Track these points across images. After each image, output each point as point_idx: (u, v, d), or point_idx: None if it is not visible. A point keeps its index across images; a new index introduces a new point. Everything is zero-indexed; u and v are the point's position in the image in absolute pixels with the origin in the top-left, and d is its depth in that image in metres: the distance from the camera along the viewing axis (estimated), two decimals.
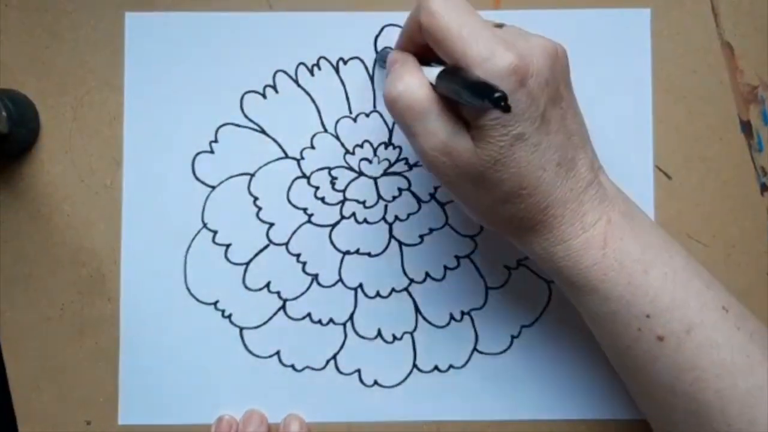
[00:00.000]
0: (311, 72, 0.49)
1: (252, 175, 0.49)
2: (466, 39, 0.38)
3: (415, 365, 0.49)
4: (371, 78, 0.50)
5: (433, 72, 0.40)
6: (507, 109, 0.34)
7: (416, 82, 0.40)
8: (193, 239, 0.49)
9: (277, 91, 0.49)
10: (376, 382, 0.49)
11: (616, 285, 0.41)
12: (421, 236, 0.49)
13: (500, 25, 0.42)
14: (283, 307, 0.50)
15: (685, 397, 0.40)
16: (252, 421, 0.48)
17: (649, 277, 0.41)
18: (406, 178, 0.49)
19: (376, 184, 0.49)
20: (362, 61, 0.49)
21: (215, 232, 0.50)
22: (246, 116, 0.49)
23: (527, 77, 0.38)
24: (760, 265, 0.50)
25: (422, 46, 0.42)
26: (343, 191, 0.49)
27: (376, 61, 0.50)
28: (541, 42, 0.40)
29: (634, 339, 0.41)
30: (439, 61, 0.41)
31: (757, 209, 0.50)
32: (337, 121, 0.50)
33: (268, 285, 0.50)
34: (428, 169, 0.41)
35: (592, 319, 0.43)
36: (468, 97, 0.36)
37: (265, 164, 0.49)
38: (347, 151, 0.49)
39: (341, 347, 0.50)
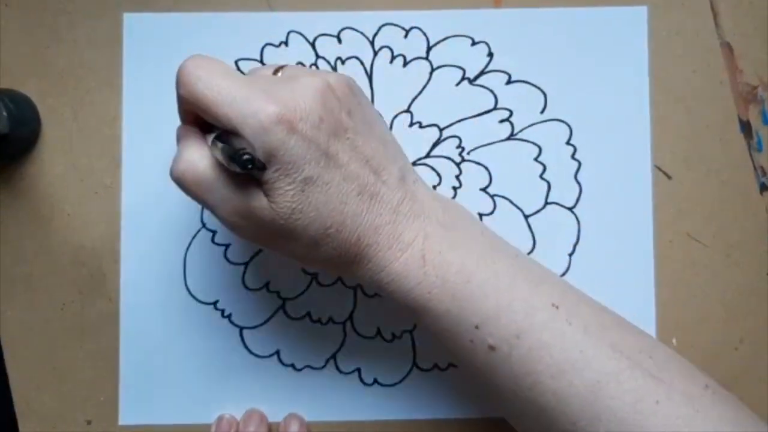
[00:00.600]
0: None
1: None
2: (225, 102, 0.37)
3: (414, 364, 0.50)
4: (369, 77, 0.50)
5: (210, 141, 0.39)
6: (262, 167, 0.36)
7: (196, 156, 0.39)
8: (193, 239, 0.50)
9: None
10: (376, 381, 0.50)
11: (442, 301, 0.40)
12: None
13: (280, 68, 0.42)
14: (282, 306, 0.50)
15: (527, 402, 0.39)
16: (252, 420, 0.49)
17: (471, 286, 0.40)
18: None
19: None
20: (360, 61, 0.50)
21: (214, 232, 0.50)
22: None
23: (296, 122, 0.37)
24: (759, 264, 0.50)
25: (195, 117, 0.41)
26: None
27: None
28: (308, 81, 0.39)
29: (469, 351, 0.40)
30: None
31: (757, 209, 0.50)
32: None
33: (267, 284, 0.50)
34: (233, 233, 0.40)
35: (434, 338, 0.42)
36: (230, 164, 0.36)
37: None
38: None
39: (341, 346, 0.50)
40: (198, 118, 0.40)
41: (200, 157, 0.39)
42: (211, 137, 0.39)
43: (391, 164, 0.41)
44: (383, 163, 0.41)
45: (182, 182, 0.39)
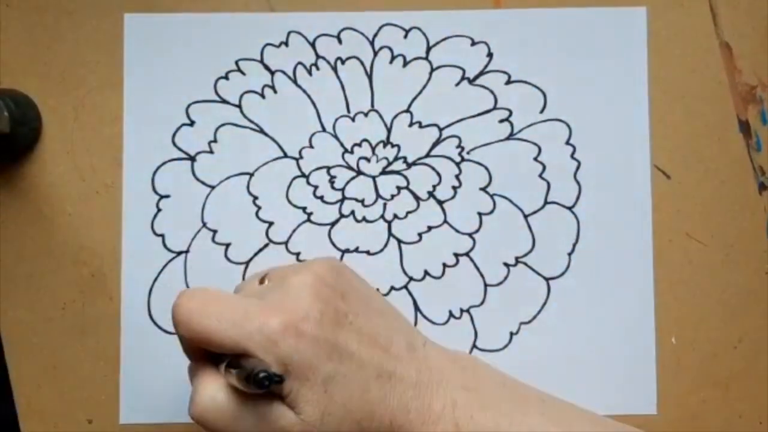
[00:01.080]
0: (309, 72, 0.50)
1: (251, 175, 0.50)
2: (227, 327, 0.37)
3: None
4: (369, 77, 0.50)
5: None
6: (281, 380, 0.35)
7: (212, 391, 0.38)
8: (193, 239, 0.50)
9: (275, 91, 0.50)
10: None
11: None
12: (420, 234, 0.50)
13: (264, 276, 0.42)
14: None
15: None
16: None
17: None
18: (404, 176, 0.50)
19: (374, 182, 0.50)
20: (360, 61, 0.50)
21: (215, 232, 0.50)
22: (245, 116, 0.50)
23: (300, 325, 0.37)
24: (758, 264, 0.50)
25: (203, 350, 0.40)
26: (342, 190, 0.50)
27: None
28: (298, 280, 0.39)
29: None
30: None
31: (756, 208, 0.50)
32: (336, 121, 0.50)
33: None
34: None
35: None
36: (249, 387, 0.36)
37: (264, 164, 0.50)
38: (346, 150, 0.50)
39: None
40: (206, 352, 0.39)
41: (217, 390, 0.38)
42: (222, 366, 0.38)
43: (397, 335, 0.41)
44: (390, 337, 0.41)
45: (204, 421, 0.38)
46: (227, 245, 0.50)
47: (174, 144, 0.50)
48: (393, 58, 0.50)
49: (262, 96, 0.50)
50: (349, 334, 0.39)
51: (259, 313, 0.37)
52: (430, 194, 0.50)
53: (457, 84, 0.50)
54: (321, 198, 0.50)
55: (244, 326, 0.37)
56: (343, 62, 0.50)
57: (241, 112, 0.50)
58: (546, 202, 0.50)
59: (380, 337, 0.40)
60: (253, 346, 0.37)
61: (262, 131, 0.50)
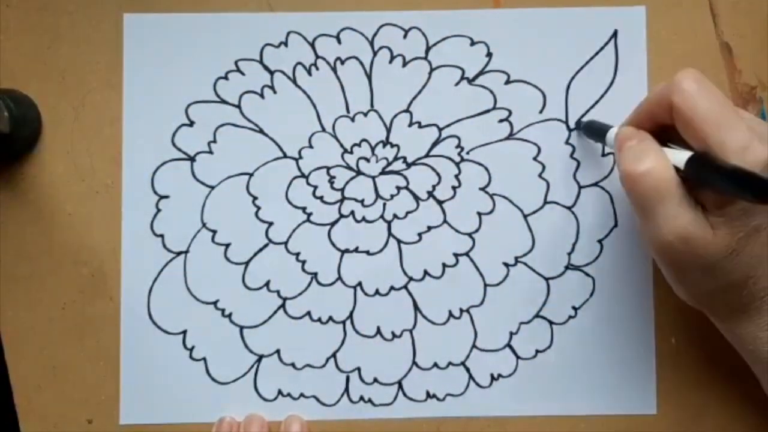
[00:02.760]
0: (309, 72, 0.50)
1: (251, 175, 0.50)
2: (724, 126, 0.37)
3: (414, 363, 0.50)
4: (369, 77, 0.50)
5: (672, 154, 0.39)
6: (766, 201, 0.34)
7: (663, 163, 0.39)
8: (193, 239, 0.50)
9: (275, 92, 0.50)
10: (376, 380, 0.50)
11: None
12: (420, 234, 0.50)
13: None
14: (282, 305, 0.50)
15: None
16: (253, 423, 0.49)
17: None
18: (404, 176, 0.50)
19: (374, 182, 0.50)
20: (360, 61, 0.50)
21: (214, 232, 0.50)
22: (244, 116, 0.50)
23: None
24: None
25: (659, 126, 0.41)
26: (342, 190, 0.50)
27: (578, 129, 0.49)
28: None
29: None
30: (677, 143, 0.41)
31: None
32: (335, 121, 0.50)
33: (267, 284, 0.50)
34: (656, 254, 0.40)
35: None
36: (727, 185, 0.36)
37: (264, 164, 0.50)
38: (345, 150, 0.50)
39: (341, 345, 0.50)
40: (648, 127, 0.41)
41: (666, 165, 0.39)
42: (677, 151, 0.39)
43: None
44: None
45: (640, 182, 0.39)
46: (227, 245, 0.50)
47: (173, 144, 0.50)
48: (392, 58, 0.50)
49: (262, 96, 0.50)
50: None
51: (755, 138, 0.37)
52: (430, 194, 0.50)
53: (457, 84, 0.50)
54: (321, 198, 0.50)
55: (739, 139, 0.37)
56: (342, 62, 0.50)
57: (241, 112, 0.50)
58: (545, 202, 0.50)
59: None
60: (734, 159, 0.37)
61: (261, 131, 0.50)
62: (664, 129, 0.41)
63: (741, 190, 0.35)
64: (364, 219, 0.50)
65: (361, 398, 0.50)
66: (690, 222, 0.38)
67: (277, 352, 0.50)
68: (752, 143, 0.37)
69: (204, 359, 0.50)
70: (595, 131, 0.47)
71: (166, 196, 0.50)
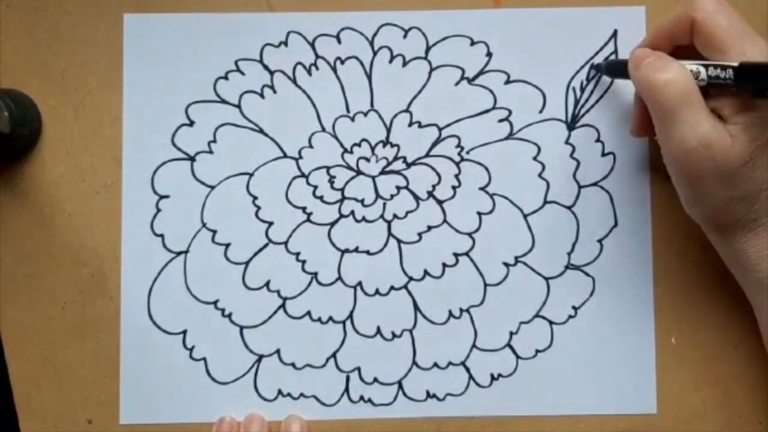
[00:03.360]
0: (309, 72, 0.50)
1: (251, 175, 0.50)
2: (745, 39, 0.41)
3: (414, 362, 0.50)
4: (369, 77, 0.50)
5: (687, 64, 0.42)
6: None
7: (684, 72, 0.41)
8: (193, 239, 0.50)
9: (275, 91, 0.50)
10: (376, 380, 0.50)
11: None
12: (420, 234, 0.50)
13: None
14: (282, 305, 0.50)
15: None
16: (254, 423, 0.49)
17: None
18: (404, 176, 0.50)
19: (374, 182, 0.50)
20: (360, 61, 0.50)
21: (215, 232, 0.50)
22: (244, 116, 0.50)
23: None
24: None
25: (674, 48, 0.44)
26: (342, 190, 0.50)
27: (594, 69, 0.50)
28: None
29: None
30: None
31: None
32: (335, 120, 0.50)
33: (267, 284, 0.50)
34: (676, 162, 0.42)
35: None
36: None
37: (264, 164, 0.50)
38: (345, 150, 0.50)
39: (341, 345, 0.50)
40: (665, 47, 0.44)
41: (688, 76, 0.41)
42: (697, 65, 0.41)
43: None
44: None
45: (666, 88, 0.41)
46: (227, 245, 0.50)
47: (173, 144, 0.50)
48: (392, 57, 0.50)
49: (262, 96, 0.50)
50: None
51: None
52: (430, 194, 0.50)
53: (457, 84, 0.50)
54: (321, 198, 0.50)
55: (760, 51, 0.40)
56: (342, 62, 0.50)
57: (241, 112, 0.50)
58: (545, 202, 0.50)
59: None
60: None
61: (261, 131, 0.50)
62: (677, 52, 0.43)
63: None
64: (364, 219, 0.50)
65: (361, 398, 0.50)
66: (711, 128, 0.40)
67: (277, 352, 0.50)
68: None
69: (204, 359, 0.50)
70: (616, 66, 0.48)
71: (166, 196, 0.50)
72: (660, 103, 0.41)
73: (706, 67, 0.41)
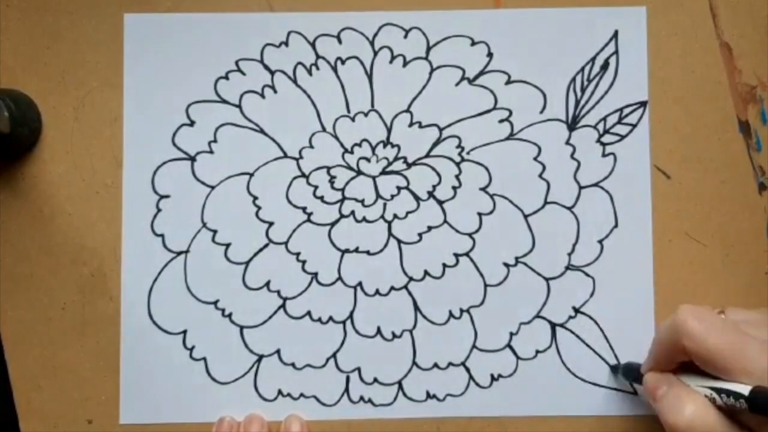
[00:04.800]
0: (309, 72, 0.50)
1: (251, 175, 0.50)
2: (741, 355, 0.39)
3: (414, 363, 0.50)
4: (369, 77, 0.50)
5: (703, 388, 0.41)
6: None
7: (702, 405, 0.40)
8: (193, 239, 0.50)
9: (275, 91, 0.50)
10: (376, 380, 0.50)
11: None
12: (420, 234, 0.50)
13: (722, 312, 0.44)
14: (283, 305, 0.50)
15: None
16: (254, 423, 0.49)
17: None
18: (404, 176, 0.50)
19: (374, 182, 0.50)
20: (360, 61, 0.50)
21: (215, 232, 0.50)
22: (245, 116, 0.50)
23: None
24: (758, 264, 0.50)
25: (677, 364, 0.43)
26: (342, 190, 0.50)
27: (615, 372, 0.50)
28: None
29: None
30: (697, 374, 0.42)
31: (756, 209, 0.50)
32: (336, 121, 0.50)
33: (267, 284, 0.50)
34: None
35: None
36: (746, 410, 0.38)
37: (264, 164, 0.50)
38: (346, 150, 0.50)
39: (341, 345, 0.50)
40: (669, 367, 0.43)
41: (705, 406, 0.40)
42: (708, 388, 0.40)
43: None
44: None
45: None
46: (227, 245, 0.50)
47: (174, 144, 0.50)
48: (393, 58, 0.50)
49: (262, 96, 0.50)
50: None
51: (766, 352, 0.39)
52: (430, 194, 0.50)
53: (457, 84, 0.50)
54: (321, 198, 0.50)
55: (760, 364, 0.39)
56: (343, 62, 0.50)
57: (241, 112, 0.50)
58: (546, 202, 0.50)
59: None
60: (761, 383, 0.38)
61: (262, 131, 0.50)
62: (684, 364, 0.43)
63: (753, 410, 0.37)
64: (364, 219, 0.50)
65: (361, 398, 0.50)
66: None
67: (277, 352, 0.50)
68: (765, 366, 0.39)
69: (204, 359, 0.50)
70: (632, 373, 0.48)
71: (167, 196, 0.50)
72: None
73: (719, 393, 0.40)
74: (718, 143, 0.50)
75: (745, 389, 0.39)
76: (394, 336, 0.50)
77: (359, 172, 0.50)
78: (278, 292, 0.50)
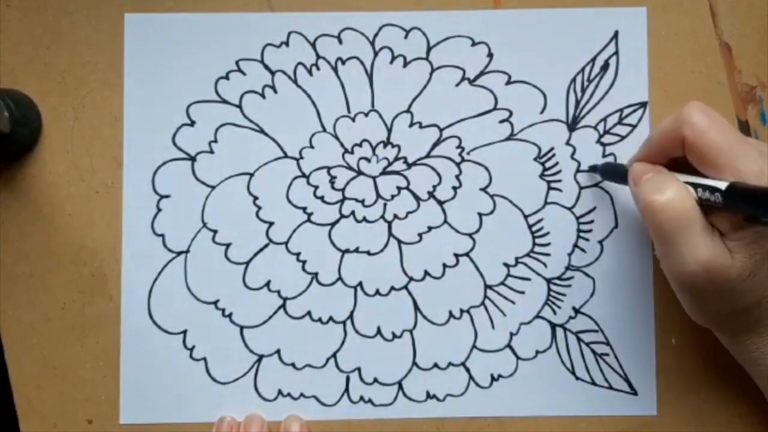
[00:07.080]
0: (310, 72, 0.50)
1: (251, 175, 0.50)
2: (737, 154, 0.39)
3: (414, 363, 0.50)
4: (370, 77, 0.50)
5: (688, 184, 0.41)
6: None
7: (683, 192, 0.40)
8: (193, 239, 0.50)
9: (276, 91, 0.50)
10: (376, 380, 0.50)
11: None
12: (420, 234, 0.50)
13: None
14: (283, 305, 0.50)
15: None
16: (254, 423, 0.49)
17: None
18: (404, 176, 0.50)
19: (375, 182, 0.50)
20: (361, 61, 0.50)
21: (215, 232, 0.50)
22: (245, 116, 0.50)
23: None
24: None
25: (669, 160, 0.43)
26: (342, 190, 0.50)
27: (593, 172, 0.50)
28: None
29: None
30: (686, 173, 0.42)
31: None
32: (336, 121, 0.50)
33: (268, 284, 0.50)
34: (677, 282, 0.42)
35: None
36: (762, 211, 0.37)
37: (265, 164, 0.50)
38: (346, 151, 0.50)
39: (341, 345, 0.50)
40: (661, 161, 0.43)
41: (686, 195, 0.40)
42: (697, 180, 0.40)
43: None
44: None
45: (663, 212, 0.40)
46: (227, 245, 0.50)
47: (174, 144, 0.50)
48: (393, 58, 0.50)
49: (263, 96, 0.50)
50: None
51: (766, 163, 0.39)
52: (431, 194, 0.50)
53: (458, 84, 0.50)
54: (321, 198, 0.50)
55: (753, 165, 0.39)
56: (343, 62, 0.50)
57: (242, 112, 0.50)
58: (546, 202, 0.50)
59: None
60: (752, 181, 0.38)
61: (262, 131, 0.50)
62: (673, 161, 0.43)
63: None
64: (364, 219, 0.50)
65: (361, 398, 0.50)
66: (712, 250, 0.39)
67: (277, 352, 0.50)
68: (765, 168, 0.38)
69: (204, 359, 0.50)
70: (612, 171, 0.48)
71: (167, 196, 0.50)
72: (658, 225, 0.40)
73: (695, 187, 0.40)
74: None
75: (722, 184, 0.39)
76: (394, 336, 0.50)
77: (359, 173, 0.50)
78: (278, 292, 0.50)
